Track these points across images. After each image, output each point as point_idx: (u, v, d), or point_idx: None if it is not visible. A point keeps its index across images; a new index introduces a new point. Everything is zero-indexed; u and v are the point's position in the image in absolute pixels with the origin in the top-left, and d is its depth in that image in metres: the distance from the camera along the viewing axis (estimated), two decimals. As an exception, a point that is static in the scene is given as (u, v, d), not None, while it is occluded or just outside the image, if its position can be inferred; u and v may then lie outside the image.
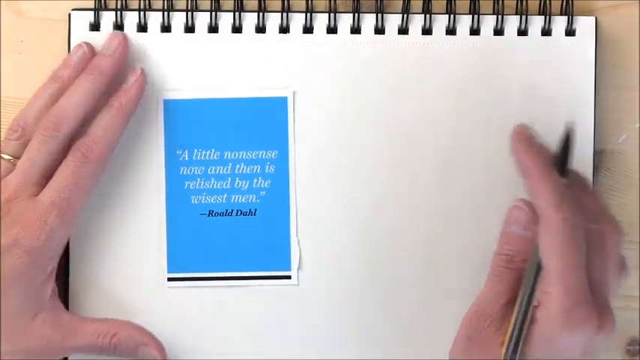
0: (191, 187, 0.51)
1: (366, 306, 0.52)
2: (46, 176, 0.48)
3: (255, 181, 0.51)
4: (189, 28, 0.52)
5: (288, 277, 0.52)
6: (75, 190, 0.47)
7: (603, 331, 0.43)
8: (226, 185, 0.51)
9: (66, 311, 0.49)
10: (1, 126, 0.52)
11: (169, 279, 0.51)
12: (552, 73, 0.52)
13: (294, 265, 0.52)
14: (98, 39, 0.51)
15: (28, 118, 0.49)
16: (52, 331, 0.47)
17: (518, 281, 0.44)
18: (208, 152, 0.51)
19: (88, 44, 0.50)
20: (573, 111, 0.52)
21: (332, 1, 0.51)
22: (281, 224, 0.51)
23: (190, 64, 0.52)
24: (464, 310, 0.45)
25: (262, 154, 0.51)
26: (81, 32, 0.51)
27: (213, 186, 0.51)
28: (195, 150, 0.51)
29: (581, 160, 0.52)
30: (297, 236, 0.52)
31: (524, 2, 0.52)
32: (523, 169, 0.44)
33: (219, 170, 0.51)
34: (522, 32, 0.52)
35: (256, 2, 0.52)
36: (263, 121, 0.51)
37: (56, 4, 0.52)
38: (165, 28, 0.52)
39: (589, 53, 0.52)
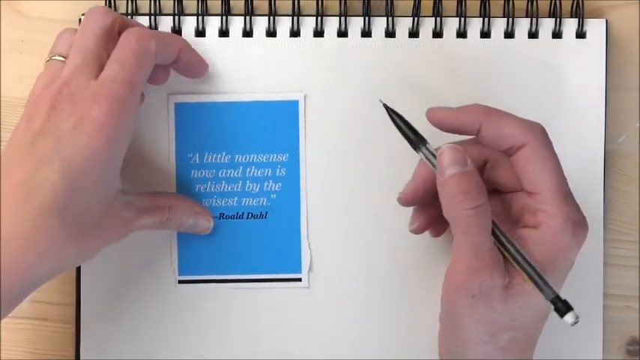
0: (202, 191, 0.51)
1: (376, 308, 0.52)
2: (101, 66, 0.44)
3: (266, 184, 0.51)
4: (200, 32, 0.52)
5: (299, 280, 0.52)
6: (138, 69, 0.45)
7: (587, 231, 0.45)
8: (237, 188, 0.51)
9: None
10: (1, 126, 0.52)
11: (180, 281, 0.51)
12: (563, 76, 0.52)
13: (304, 267, 0.52)
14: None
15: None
16: (127, 211, 0.46)
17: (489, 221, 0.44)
18: (219, 155, 0.51)
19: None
20: (584, 113, 0.53)
21: (343, 4, 0.51)
22: (292, 227, 0.51)
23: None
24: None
25: (273, 158, 0.51)
26: (92, 37, 0.51)
27: (224, 189, 0.51)
28: (206, 153, 0.51)
29: (592, 161, 0.53)
30: (307, 239, 0.52)
31: (534, 5, 0.52)
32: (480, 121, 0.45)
33: (230, 173, 0.51)
34: (533, 35, 0.52)
35: (267, 6, 0.52)
36: (274, 125, 0.51)
37: (56, 4, 0.53)
38: (176, 32, 0.52)
39: (599, 55, 0.52)
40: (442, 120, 0.46)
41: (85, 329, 0.52)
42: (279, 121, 0.51)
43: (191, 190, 0.51)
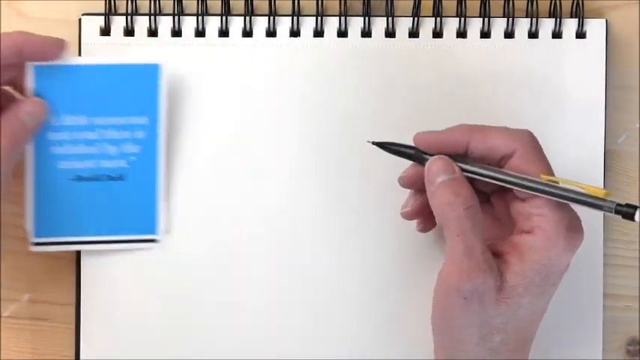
0: (59, 152, 0.51)
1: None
2: None
3: (125, 146, 0.51)
4: (200, 32, 0.52)
5: (155, 241, 0.52)
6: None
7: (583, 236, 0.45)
8: (95, 151, 0.51)
9: None
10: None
11: (36, 243, 0.51)
12: (563, 76, 0.52)
13: (160, 228, 0.52)
14: (108, 43, 0.51)
15: None
16: None
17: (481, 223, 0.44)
18: (77, 118, 0.51)
19: None
20: (584, 113, 0.53)
21: (343, 4, 0.51)
22: (149, 189, 0.52)
23: (202, 66, 0.52)
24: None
25: (132, 120, 0.51)
26: (91, 37, 0.51)
27: (81, 151, 0.51)
28: (64, 115, 0.50)
29: (592, 161, 0.53)
30: (164, 200, 0.52)
31: (534, 5, 0.52)
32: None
33: (88, 136, 0.51)
34: (533, 35, 0.52)
35: (267, 6, 0.52)
36: (133, 88, 0.51)
37: (56, 4, 0.52)
38: (176, 33, 0.52)
39: (599, 55, 0.52)
40: (429, 143, 0.46)
41: (85, 329, 0.52)
42: (138, 85, 0.51)
43: (48, 151, 0.51)
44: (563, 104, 0.52)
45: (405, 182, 0.48)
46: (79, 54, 0.51)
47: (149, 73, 0.51)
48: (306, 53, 0.52)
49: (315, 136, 0.52)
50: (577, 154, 0.52)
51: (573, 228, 0.44)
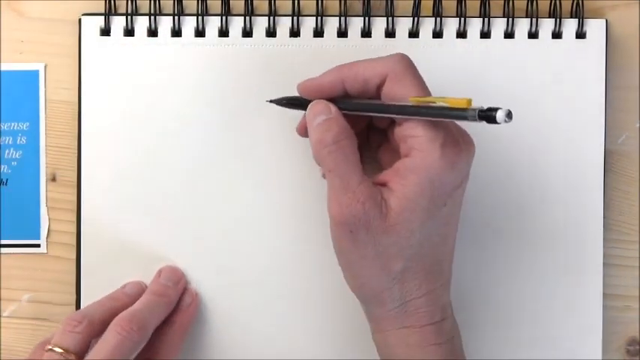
0: None
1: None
2: None
3: (7, 152, 0.52)
4: (200, 32, 0.52)
5: (38, 246, 0.52)
6: None
7: (470, 153, 0.45)
8: None
9: None
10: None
11: None
12: (563, 76, 0.52)
13: (43, 233, 0.52)
14: (108, 43, 0.51)
15: (96, 314, 0.47)
16: None
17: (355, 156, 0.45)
18: None
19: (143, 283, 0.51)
20: (584, 113, 0.53)
21: (343, 4, 0.51)
22: (32, 194, 0.52)
23: (202, 66, 0.52)
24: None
25: (14, 126, 0.52)
26: (91, 37, 0.51)
27: None
28: None
29: (592, 161, 0.53)
30: (46, 205, 0.52)
31: (534, 5, 0.52)
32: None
33: None
34: (533, 35, 0.52)
35: (267, 6, 0.52)
36: (14, 94, 0.52)
37: (56, 4, 0.52)
38: (176, 33, 0.52)
39: (599, 55, 0.52)
40: (309, 89, 0.47)
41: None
42: (19, 91, 0.52)
43: None
44: (563, 104, 0.52)
45: (301, 132, 0.49)
46: (79, 54, 0.51)
47: (30, 78, 0.52)
48: (306, 53, 0.52)
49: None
50: (577, 154, 0.52)
51: (450, 144, 0.43)
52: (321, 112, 0.46)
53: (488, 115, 0.40)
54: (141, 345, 0.46)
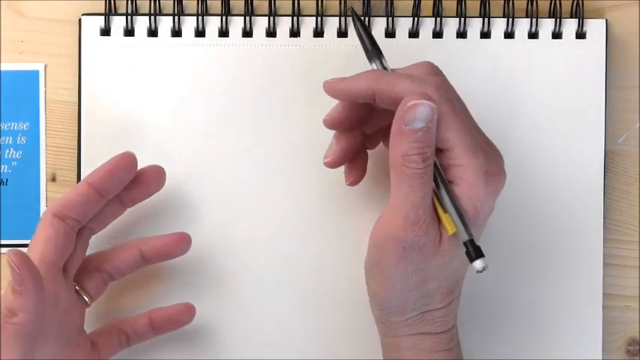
0: None
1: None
2: None
3: (7, 151, 0.52)
4: (200, 32, 0.52)
5: None
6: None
7: (505, 175, 0.45)
8: None
9: None
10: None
11: None
12: (563, 76, 0.52)
13: None
14: (108, 43, 0.51)
15: None
16: None
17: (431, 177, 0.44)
18: None
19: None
20: (584, 113, 0.53)
21: (342, 4, 0.51)
22: (32, 194, 0.52)
23: (202, 66, 0.52)
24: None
25: (14, 126, 0.52)
26: (92, 37, 0.51)
27: None
28: None
29: (592, 161, 0.53)
30: (46, 206, 0.52)
31: (534, 5, 0.52)
32: (365, 89, 0.44)
33: None
34: (533, 35, 0.52)
35: (267, 6, 0.52)
36: (14, 94, 0.52)
37: (56, 4, 0.52)
38: (176, 33, 0.52)
39: (599, 56, 0.52)
40: (336, 90, 0.46)
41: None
42: (19, 91, 0.52)
43: None
44: (563, 104, 0.52)
45: (330, 123, 0.47)
46: (79, 54, 0.51)
47: (30, 78, 0.52)
48: (306, 53, 0.52)
49: (314, 136, 0.52)
50: (577, 154, 0.52)
51: (492, 172, 0.44)
52: (424, 118, 0.42)
53: (469, 252, 0.43)
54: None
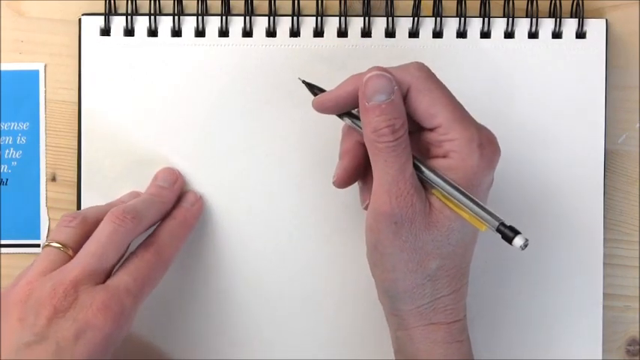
0: None
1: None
2: (112, 267, 0.45)
3: (7, 151, 0.52)
4: (200, 32, 0.52)
5: (38, 246, 0.52)
6: (148, 283, 0.46)
7: (500, 151, 0.45)
8: None
9: None
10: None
11: None
12: (563, 76, 0.52)
13: (43, 233, 0.52)
14: (108, 43, 0.51)
15: (90, 212, 0.48)
16: None
17: (407, 148, 0.44)
18: None
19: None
20: (584, 113, 0.53)
21: (343, 4, 0.51)
22: (32, 194, 0.52)
23: (202, 66, 0.52)
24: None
25: (14, 126, 0.52)
26: (91, 37, 0.51)
27: None
28: None
29: (592, 161, 0.53)
30: (46, 206, 0.52)
31: (534, 5, 0.52)
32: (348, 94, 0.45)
33: None
34: (533, 35, 0.52)
35: (267, 6, 0.52)
36: (14, 94, 0.52)
37: (56, 4, 0.53)
38: (176, 33, 0.52)
39: (599, 55, 0.52)
40: (326, 105, 0.46)
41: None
42: (19, 91, 0.52)
43: None
44: (562, 104, 0.52)
45: (342, 182, 0.47)
46: (79, 54, 0.51)
47: (30, 78, 0.52)
48: (306, 53, 0.52)
49: (313, 136, 0.52)
50: (577, 154, 0.52)
51: (486, 144, 0.44)
52: (381, 91, 0.43)
53: (506, 234, 0.42)
54: (135, 233, 0.46)
